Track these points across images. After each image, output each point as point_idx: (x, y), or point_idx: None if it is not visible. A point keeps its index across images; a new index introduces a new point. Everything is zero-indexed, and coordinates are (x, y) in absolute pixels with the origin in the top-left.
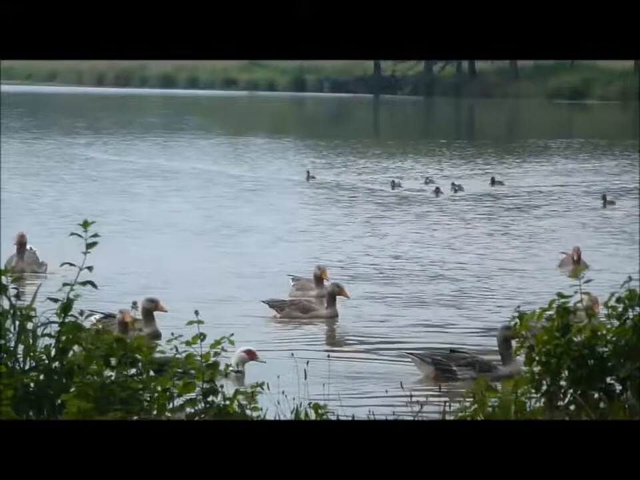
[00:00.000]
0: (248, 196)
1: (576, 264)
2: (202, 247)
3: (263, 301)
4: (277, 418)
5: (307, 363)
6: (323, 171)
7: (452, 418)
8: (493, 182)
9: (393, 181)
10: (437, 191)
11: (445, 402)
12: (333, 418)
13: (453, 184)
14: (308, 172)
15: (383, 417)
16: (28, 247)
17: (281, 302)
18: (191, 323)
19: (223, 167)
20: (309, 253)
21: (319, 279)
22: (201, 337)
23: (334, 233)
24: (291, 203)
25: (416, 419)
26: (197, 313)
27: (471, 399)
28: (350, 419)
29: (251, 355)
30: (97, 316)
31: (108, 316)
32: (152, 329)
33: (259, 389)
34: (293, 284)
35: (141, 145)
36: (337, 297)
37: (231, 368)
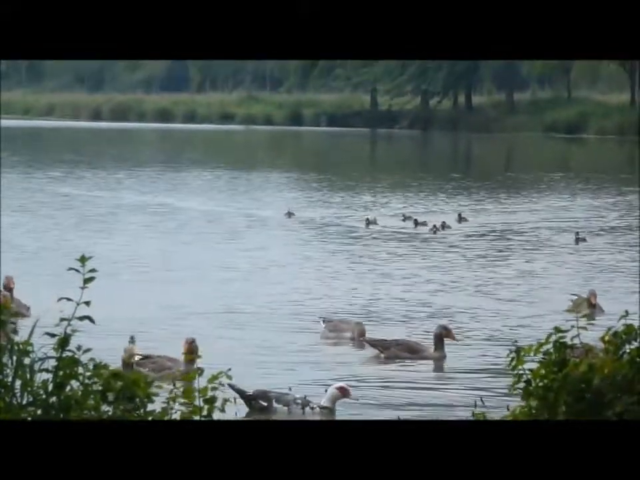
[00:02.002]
0: (227, 234)
1: (592, 307)
2: (191, 286)
3: (362, 339)
4: None
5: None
6: (307, 208)
7: None
8: (460, 219)
9: (367, 219)
10: (435, 229)
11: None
12: None
13: (415, 220)
14: (288, 210)
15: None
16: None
17: (382, 341)
18: (188, 358)
19: (206, 204)
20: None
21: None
22: (199, 371)
23: (311, 272)
24: (269, 241)
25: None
26: (195, 341)
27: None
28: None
29: (343, 392)
30: (136, 357)
31: (147, 357)
32: (189, 368)
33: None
34: (324, 325)
35: (130, 180)
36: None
37: (320, 404)
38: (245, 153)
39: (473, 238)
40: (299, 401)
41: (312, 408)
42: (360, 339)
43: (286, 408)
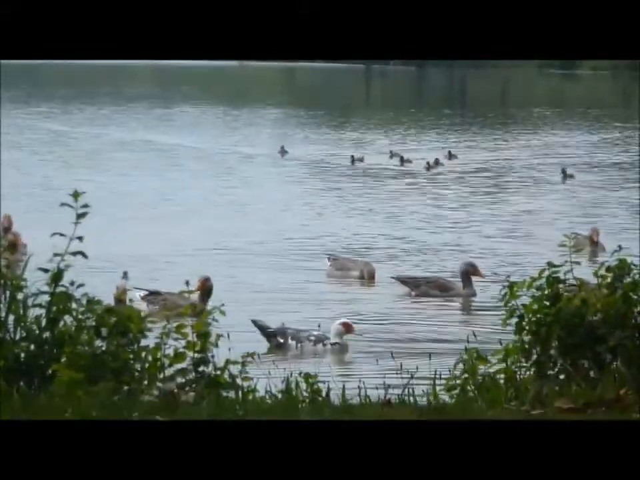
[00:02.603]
0: (220, 171)
1: (594, 245)
2: (183, 224)
3: (393, 277)
4: (268, 388)
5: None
6: (300, 145)
7: (442, 387)
8: (450, 156)
9: (352, 156)
10: (428, 166)
11: (435, 371)
12: (324, 389)
13: (401, 157)
14: (282, 147)
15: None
16: None
17: (413, 279)
18: (184, 292)
19: (198, 140)
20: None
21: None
22: (193, 307)
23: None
24: (263, 178)
25: (406, 391)
26: (187, 283)
27: (462, 368)
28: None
29: (347, 327)
30: (142, 293)
31: (153, 293)
32: (203, 305)
33: (249, 358)
34: (330, 263)
35: (119, 116)
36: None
37: (330, 341)
38: (238, 89)
39: (466, 175)
40: (313, 338)
41: (324, 344)
42: (391, 277)
43: (299, 345)
